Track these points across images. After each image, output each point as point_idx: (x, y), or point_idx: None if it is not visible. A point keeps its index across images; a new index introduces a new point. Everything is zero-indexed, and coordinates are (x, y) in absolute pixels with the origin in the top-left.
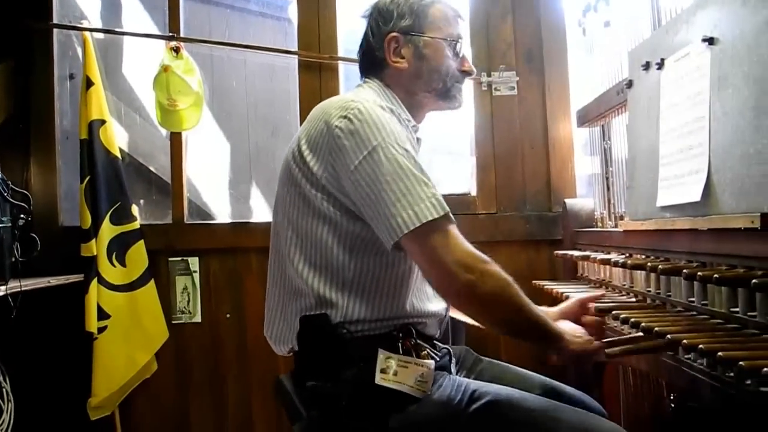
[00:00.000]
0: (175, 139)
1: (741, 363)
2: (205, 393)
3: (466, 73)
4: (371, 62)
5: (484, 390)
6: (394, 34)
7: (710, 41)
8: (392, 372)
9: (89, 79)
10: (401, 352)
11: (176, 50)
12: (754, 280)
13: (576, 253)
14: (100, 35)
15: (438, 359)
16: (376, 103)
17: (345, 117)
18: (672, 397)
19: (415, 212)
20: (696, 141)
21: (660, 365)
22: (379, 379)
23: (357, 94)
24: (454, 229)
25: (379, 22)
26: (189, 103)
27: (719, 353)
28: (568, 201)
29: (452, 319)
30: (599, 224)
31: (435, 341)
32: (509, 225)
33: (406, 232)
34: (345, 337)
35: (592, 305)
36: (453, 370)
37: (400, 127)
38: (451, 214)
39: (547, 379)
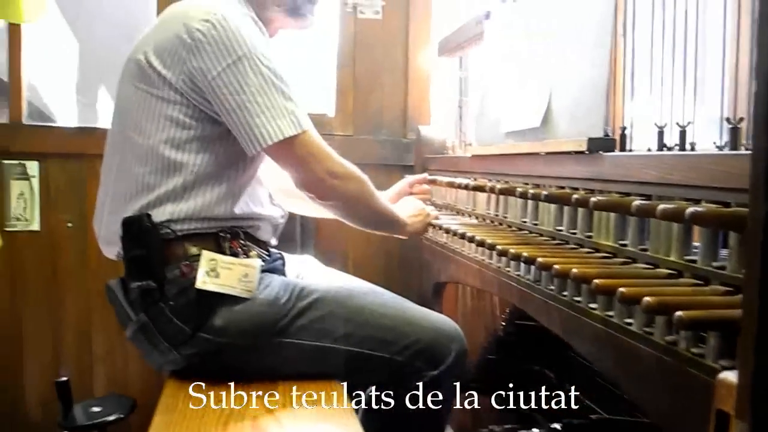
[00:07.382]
0: (13, 32)
1: (556, 267)
2: (41, 304)
3: None
4: None
5: (313, 288)
6: None
7: None
8: (215, 275)
9: None
10: (228, 253)
11: None
12: (575, 196)
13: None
14: None
15: (267, 262)
16: (238, 11)
17: (208, 21)
18: (504, 315)
19: (279, 126)
20: (540, 71)
21: (492, 281)
22: (200, 282)
23: (215, 2)
24: (316, 139)
25: None
26: None
27: (539, 259)
28: (421, 128)
29: (303, 227)
30: (451, 152)
31: (269, 247)
32: (364, 148)
33: (270, 144)
34: (167, 237)
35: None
36: (288, 275)
37: (264, 39)
38: (312, 126)
39: (389, 292)
